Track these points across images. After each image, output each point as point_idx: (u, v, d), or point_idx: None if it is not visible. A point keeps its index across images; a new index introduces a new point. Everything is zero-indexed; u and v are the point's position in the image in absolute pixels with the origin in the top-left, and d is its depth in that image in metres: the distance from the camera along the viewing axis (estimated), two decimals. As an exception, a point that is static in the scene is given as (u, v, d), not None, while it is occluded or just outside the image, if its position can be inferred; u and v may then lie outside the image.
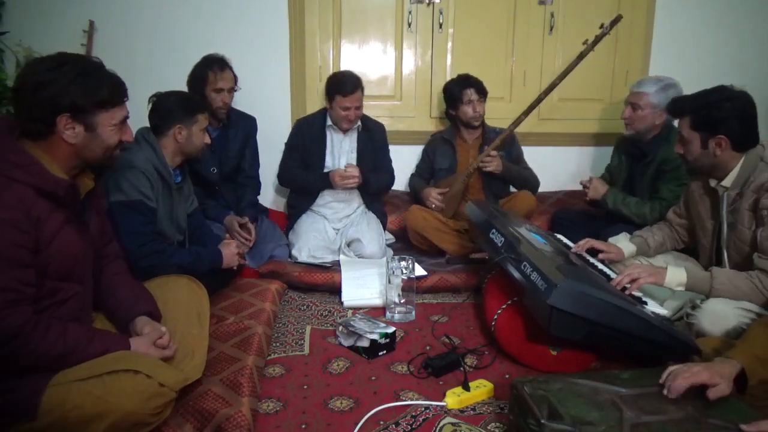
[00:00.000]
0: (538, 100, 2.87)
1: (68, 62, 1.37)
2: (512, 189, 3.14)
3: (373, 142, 3.00)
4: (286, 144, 3.03)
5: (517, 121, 2.89)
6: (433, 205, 2.95)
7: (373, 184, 2.97)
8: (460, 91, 2.96)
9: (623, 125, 2.69)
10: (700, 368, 1.32)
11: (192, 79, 2.64)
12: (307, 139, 2.95)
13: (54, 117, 1.34)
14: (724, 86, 1.88)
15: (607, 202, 2.66)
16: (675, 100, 1.99)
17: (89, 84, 1.37)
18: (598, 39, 2.73)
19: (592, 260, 2.07)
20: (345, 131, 2.93)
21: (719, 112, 1.81)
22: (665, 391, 1.33)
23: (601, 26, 2.73)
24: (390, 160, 3.11)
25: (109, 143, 1.45)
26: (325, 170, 2.91)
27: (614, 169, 2.85)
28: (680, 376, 1.32)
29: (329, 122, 2.92)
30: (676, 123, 2.04)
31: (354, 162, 2.93)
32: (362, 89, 2.86)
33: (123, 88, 1.47)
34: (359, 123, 2.96)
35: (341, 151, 2.96)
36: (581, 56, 2.75)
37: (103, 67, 1.44)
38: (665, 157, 2.51)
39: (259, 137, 2.97)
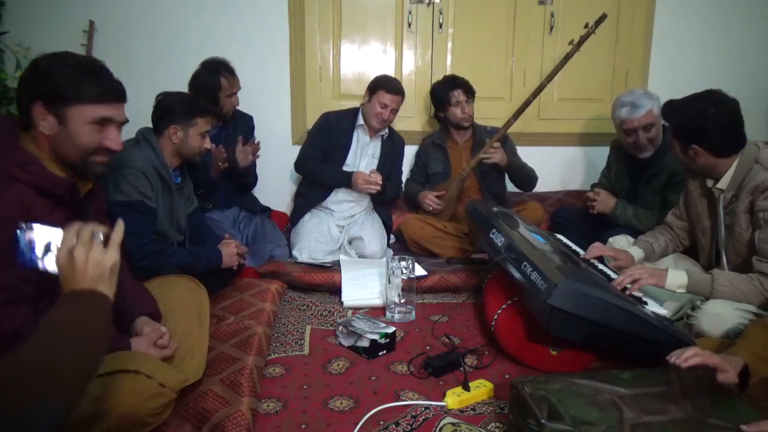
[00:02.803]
0: (527, 103, 2.85)
1: (67, 56, 1.36)
2: (508, 188, 3.14)
3: (394, 152, 3.04)
4: (310, 133, 3.02)
5: (508, 124, 2.87)
6: (431, 207, 2.94)
7: (388, 195, 2.99)
8: (447, 92, 2.93)
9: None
10: (711, 353, 1.33)
11: (200, 86, 2.59)
12: (333, 133, 2.94)
13: (30, 105, 1.32)
14: (710, 92, 1.88)
15: (618, 216, 2.56)
16: (666, 104, 2.00)
17: (68, 73, 1.32)
18: (583, 39, 2.73)
19: (593, 260, 2.07)
20: (373, 132, 2.94)
21: (693, 124, 1.84)
22: (673, 359, 1.33)
23: (586, 26, 2.72)
24: (401, 173, 3.15)
25: (80, 142, 1.35)
26: (345, 168, 2.91)
27: (614, 177, 2.79)
28: (693, 350, 1.32)
29: (360, 121, 2.93)
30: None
31: (374, 168, 2.94)
32: (403, 98, 2.90)
33: (110, 87, 1.38)
34: (386, 131, 2.97)
35: (365, 154, 2.97)
36: (567, 57, 2.75)
37: (98, 64, 1.39)
38: (675, 169, 2.43)
39: (259, 137, 2.98)
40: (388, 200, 3.08)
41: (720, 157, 1.86)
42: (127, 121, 1.45)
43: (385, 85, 2.83)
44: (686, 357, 1.31)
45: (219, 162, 2.58)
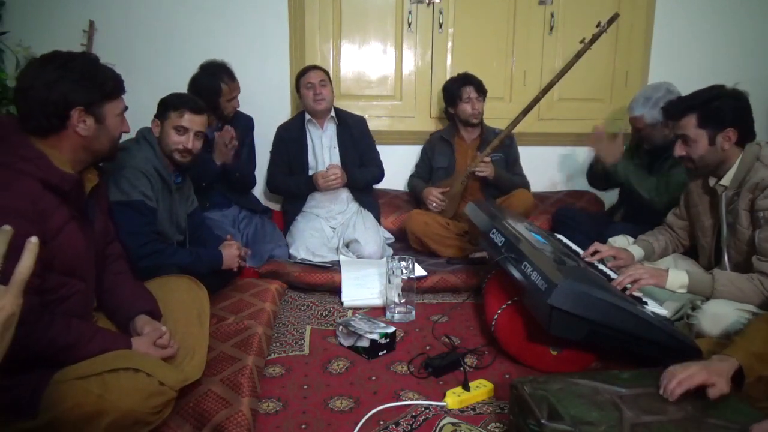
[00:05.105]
0: (536, 100, 2.88)
1: (71, 60, 1.42)
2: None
3: (353, 135, 3.00)
4: (270, 152, 3.04)
5: (516, 121, 2.89)
6: (434, 204, 2.95)
7: (360, 180, 2.98)
8: (459, 88, 2.98)
9: (626, 131, 2.75)
10: (697, 368, 1.32)
11: (200, 90, 2.55)
12: (288, 143, 2.96)
13: (68, 111, 1.39)
14: (719, 85, 1.89)
15: (617, 169, 2.62)
16: (674, 101, 1.99)
17: (97, 77, 1.45)
18: (595, 37, 2.75)
19: (593, 260, 2.07)
20: (321, 118, 2.94)
21: (726, 105, 1.83)
22: (661, 391, 1.33)
23: (598, 25, 2.74)
24: (377, 153, 3.10)
25: (114, 134, 1.52)
26: (310, 170, 2.93)
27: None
28: (676, 379, 1.31)
29: (307, 118, 2.95)
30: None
31: (338, 158, 2.94)
32: (325, 72, 2.93)
33: (121, 80, 1.54)
34: (334, 116, 2.96)
35: (322, 148, 2.96)
36: (579, 55, 2.76)
37: (99, 61, 1.50)
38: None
39: (259, 138, 2.98)
40: (368, 185, 3.07)
41: (742, 145, 1.86)
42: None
43: (302, 73, 2.92)
44: (671, 393, 1.30)
45: (226, 143, 2.57)
